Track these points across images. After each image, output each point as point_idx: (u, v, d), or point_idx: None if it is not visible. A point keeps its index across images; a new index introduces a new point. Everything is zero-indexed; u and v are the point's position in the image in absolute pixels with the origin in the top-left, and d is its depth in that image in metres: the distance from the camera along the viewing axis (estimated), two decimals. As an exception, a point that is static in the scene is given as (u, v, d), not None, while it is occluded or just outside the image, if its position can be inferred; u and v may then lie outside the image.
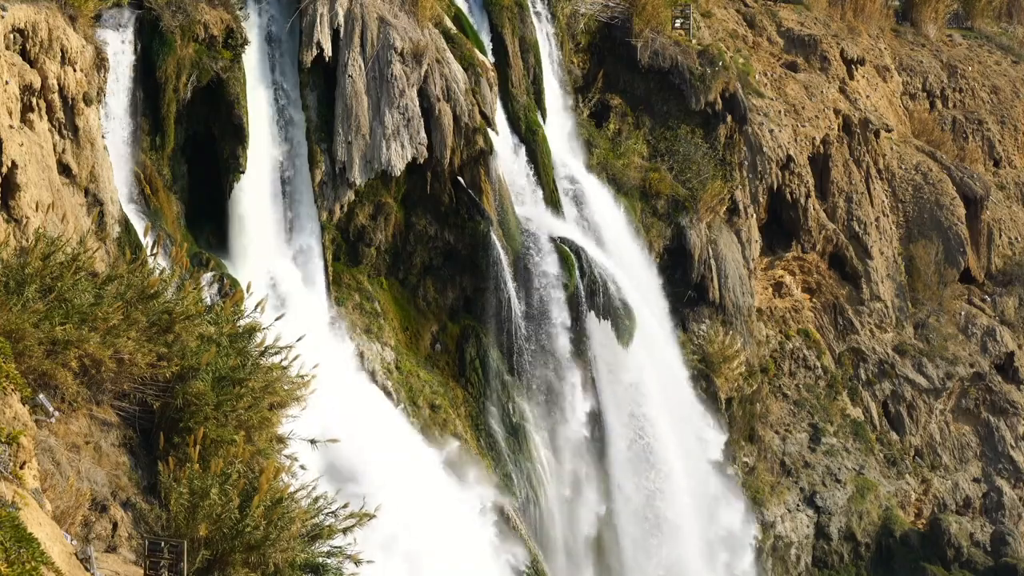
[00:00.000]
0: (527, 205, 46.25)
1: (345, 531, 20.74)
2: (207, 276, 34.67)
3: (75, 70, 32.57)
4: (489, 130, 43.57)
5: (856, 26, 67.81)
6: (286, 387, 22.54)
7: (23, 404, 17.75)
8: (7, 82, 29.83)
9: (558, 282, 44.50)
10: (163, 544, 18.29)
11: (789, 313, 59.43)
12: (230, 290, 34.99)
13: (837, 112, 61.12)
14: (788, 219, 58.72)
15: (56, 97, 32.14)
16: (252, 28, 39.87)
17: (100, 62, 34.74)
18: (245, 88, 38.65)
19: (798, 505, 55.31)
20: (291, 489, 20.44)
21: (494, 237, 43.27)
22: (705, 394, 51.10)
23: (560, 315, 44.56)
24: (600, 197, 49.75)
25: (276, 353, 23.05)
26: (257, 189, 39.49)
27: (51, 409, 19.25)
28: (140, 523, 19.77)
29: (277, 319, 24.67)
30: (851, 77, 64.59)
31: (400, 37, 41.54)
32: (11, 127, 29.53)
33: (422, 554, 35.88)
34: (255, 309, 23.84)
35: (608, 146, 52.32)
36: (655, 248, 51.21)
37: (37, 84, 31.29)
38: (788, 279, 59.41)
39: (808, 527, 55.25)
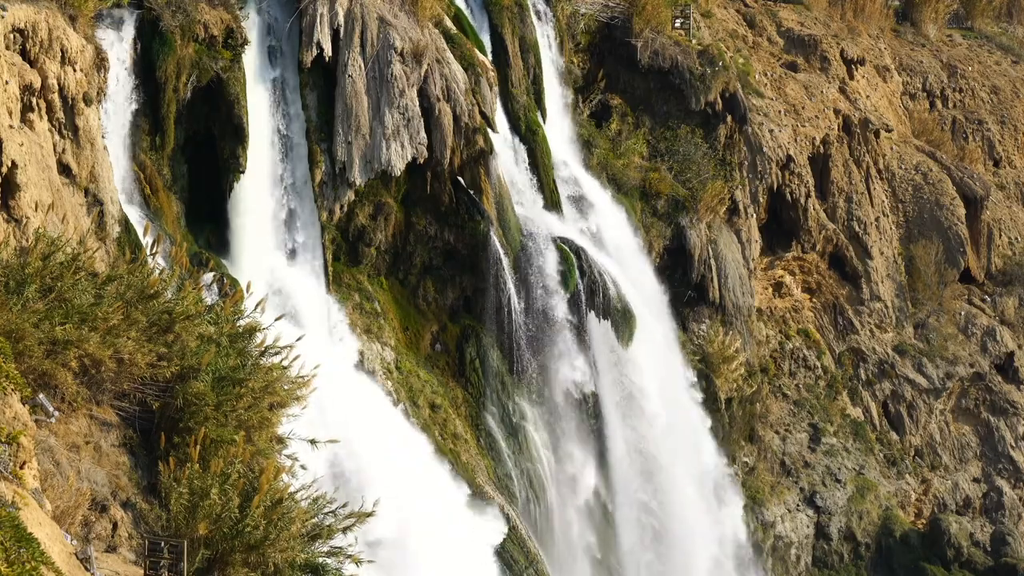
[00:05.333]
0: (527, 205, 46.25)
1: (345, 531, 20.74)
2: (207, 276, 34.64)
3: (75, 70, 32.57)
4: (489, 130, 43.57)
5: (856, 26, 67.81)
6: (286, 387, 22.55)
7: (23, 404, 17.75)
8: (7, 82, 29.82)
9: (558, 282, 44.50)
10: (163, 544, 18.30)
11: (789, 313, 59.43)
12: (230, 290, 34.97)
13: (837, 112, 61.12)
14: (788, 219, 58.72)
15: (56, 97, 32.12)
16: (252, 28, 39.86)
17: (100, 62, 34.73)
18: (245, 88, 38.65)
19: (798, 505, 55.32)
20: (291, 489, 20.44)
21: (494, 237, 43.27)
22: (705, 394, 51.09)
23: (560, 315, 44.56)
24: (600, 197, 49.74)
25: (276, 353, 23.06)
26: (257, 189, 39.48)
27: (51, 409, 19.25)
28: (140, 523, 19.78)
29: (277, 319, 24.68)
30: (851, 77, 64.59)
31: (400, 37, 41.54)
32: (11, 127, 29.53)
33: (421, 554, 35.88)
34: (255, 309, 23.85)
35: (608, 146, 52.32)
36: (655, 248, 51.21)
37: (37, 84, 31.28)
38: (788, 279, 59.41)
39: (808, 527, 55.26)
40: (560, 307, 44.52)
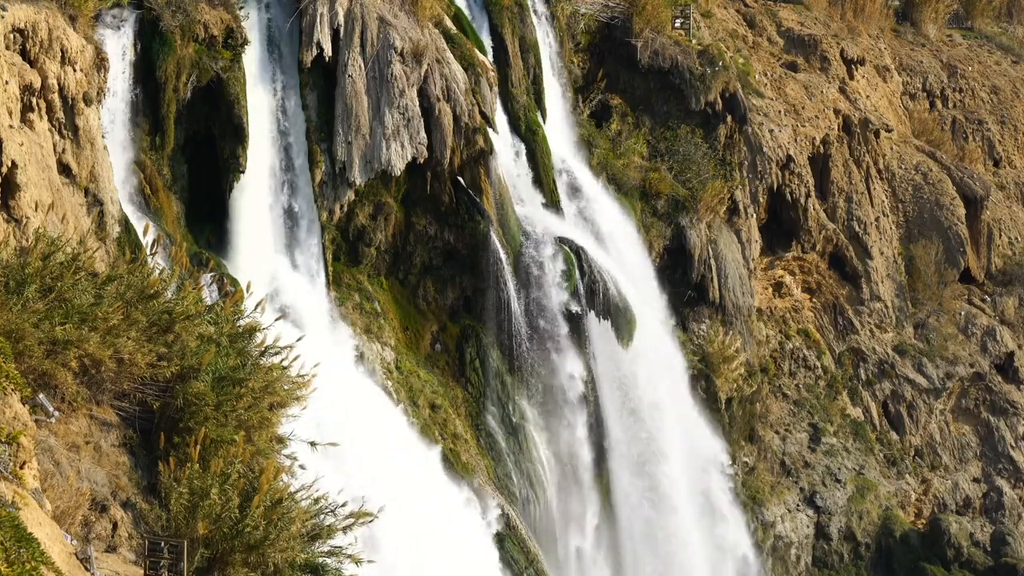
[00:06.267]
0: (527, 205, 46.25)
1: (345, 531, 20.75)
2: (207, 276, 34.64)
3: (75, 70, 32.57)
4: (489, 130, 43.57)
5: (856, 26, 67.81)
6: (286, 387, 22.55)
7: (23, 404, 17.75)
8: (7, 82, 29.82)
9: (558, 282, 44.49)
10: (163, 544, 18.30)
11: (789, 313, 59.43)
12: (230, 290, 34.97)
13: (837, 112, 61.12)
14: (788, 219, 58.72)
15: (56, 97, 32.12)
16: (252, 28, 39.85)
17: (100, 62, 34.73)
18: (245, 88, 38.65)
19: (798, 505, 55.31)
20: (291, 489, 20.45)
21: (494, 237, 43.27)
22: (705, 394, 51.08)
23: (560, 315, 44.54)
24: (600, 197, 49.74)
25: (276, 353, 23.07)
26: (257, 189, 39.49)
27: (51, 409, 19.25)
28: (140, 523, 19.78)
29: (277, 319, 24.69)
30: (851, 77, 64.58)
31: (400, 37, 41.54)
32: (11, 127, 29.53)
33: (422, 553, 35.88)
34: (255, 309, 23.85)
35: (608, 146, 52.32)
36: (655, 248, 51.20)
37: (37, 84, 31.28)
38: (788, 279, 59.40)
39: (808, 527, 55.25)
40: (560, 307, 44.49)
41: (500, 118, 45.62)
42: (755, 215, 56.26)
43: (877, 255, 61.21)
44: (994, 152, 70.97)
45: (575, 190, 48.85)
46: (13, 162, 29.10)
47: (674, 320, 51.19)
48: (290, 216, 40.59)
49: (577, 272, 44.96)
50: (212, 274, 35.76)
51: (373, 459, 35.61)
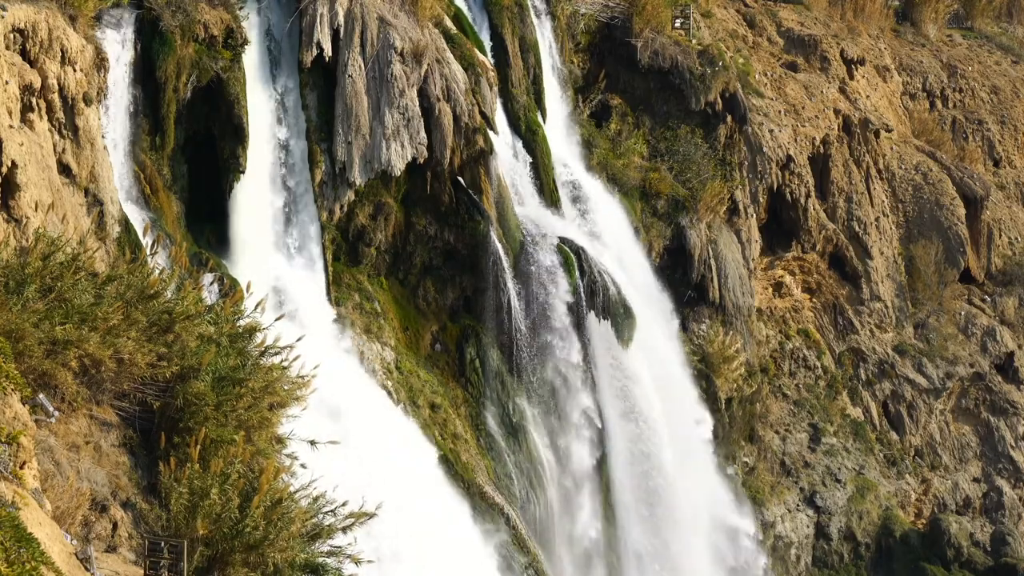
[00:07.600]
0: (527, 205, 46.25)
1: (345, 530, 20.76)
2: (207, 276, 34.63)
3: (75, 70, 32.57)
4: (489, 130, 43.57)
5: (856, 26, 67.82)
6: (286, 387, 22.56)
7: (23, 404, 17.75)
8: (7, 82, 29.82)
9: (558, 282, 44.49)
10: (163, 544, 18.31)
11: (789, 313, 59.43)
12: (230, 290, 34.96)
13: (837, 112, 61.12)
14: (788, 219, 58.72)
15: (56, 97, 32.13)
16: (252, 28, 39.86)
17: (100, 62, 34.74)
18: (245, 88, 38.65)
19: (798, 505, 55.32)
20: (291, 489, 20.45)
21: (494, 237, 43.27)
22: (705, 394, 51.08)
23: (560, 315, 44.54)
24: (600, 197, 49.74)
25: (276, 353, 23.07)
26: (257, 189, 39.49)
27: (51, 409, 19.24)
28: (140, 523, 19.79)
29: (277, 319, 24.69)
30: (851, 77, 64.59)
31: (400, 37, 41.54)
32: (11, 127, 29.52)
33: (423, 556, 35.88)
34: (255, 309, 23.85)
35: (608, 146, 52.32)
36: (655, 248, 51.21)
37: (37, 84, 31.29)
38: (788, 279, 59.41)
39: (808, 527, 55.26)
40: (560, 307, 44.50)
41: (500, 118, 45.62)
42: (755, 215, 56.27)
43: (877, 255, 61.22)
44: (994, 152, 70.97)
45: (575, 190, 48.85)
46: (13, 162, 29.10)
47: (674, 320, 51.19)
48: (290, 216, 40.59)
49: (577, 272, 44.96)
50: (212, 274, 35.76)
51: (373, 458, 35.61)
